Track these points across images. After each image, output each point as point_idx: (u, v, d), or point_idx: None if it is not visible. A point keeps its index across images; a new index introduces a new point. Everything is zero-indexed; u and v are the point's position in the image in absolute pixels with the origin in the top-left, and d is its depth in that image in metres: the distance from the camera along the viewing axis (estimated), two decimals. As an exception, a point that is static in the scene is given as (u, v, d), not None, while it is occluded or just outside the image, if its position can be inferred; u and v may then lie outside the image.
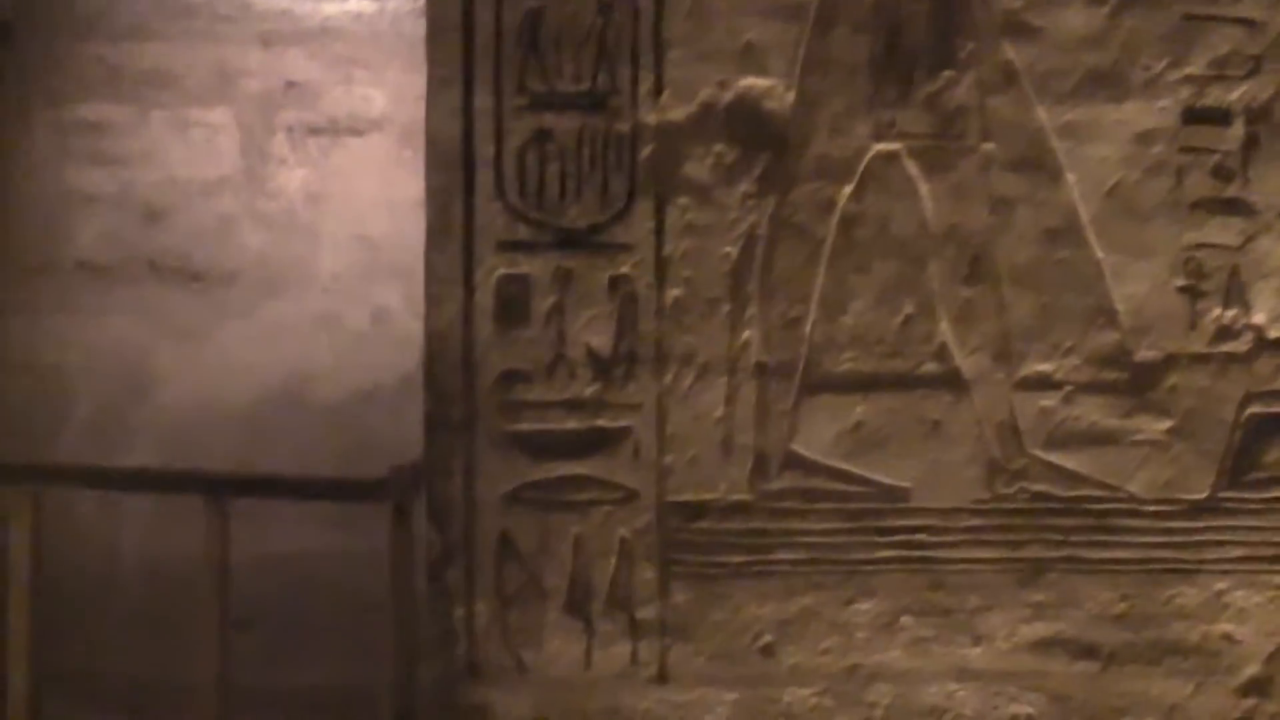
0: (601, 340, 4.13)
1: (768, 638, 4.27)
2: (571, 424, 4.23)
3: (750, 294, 4.14)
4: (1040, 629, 4.12)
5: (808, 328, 4.17)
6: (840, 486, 4.25)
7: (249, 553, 6.49)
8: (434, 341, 4.03)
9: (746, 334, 4.17)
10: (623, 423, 4.23)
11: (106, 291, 7.45)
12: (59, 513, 6.20)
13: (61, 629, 6.11)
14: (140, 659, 6.81)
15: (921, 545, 4.15)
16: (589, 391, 4.23)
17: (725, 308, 4.16)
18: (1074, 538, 4.11)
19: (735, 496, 4.22)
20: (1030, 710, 4.11)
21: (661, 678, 4.24)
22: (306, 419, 7.47)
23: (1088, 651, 4.10)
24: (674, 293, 4.10)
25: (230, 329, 7.72)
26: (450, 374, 4.16)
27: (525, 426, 4.23)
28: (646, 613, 4.20)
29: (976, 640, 4.17)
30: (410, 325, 5.63)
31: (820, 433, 4.19)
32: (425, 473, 4.17)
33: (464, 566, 4.27)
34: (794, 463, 4.26)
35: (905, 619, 4.20)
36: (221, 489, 4.75)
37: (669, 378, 4.19)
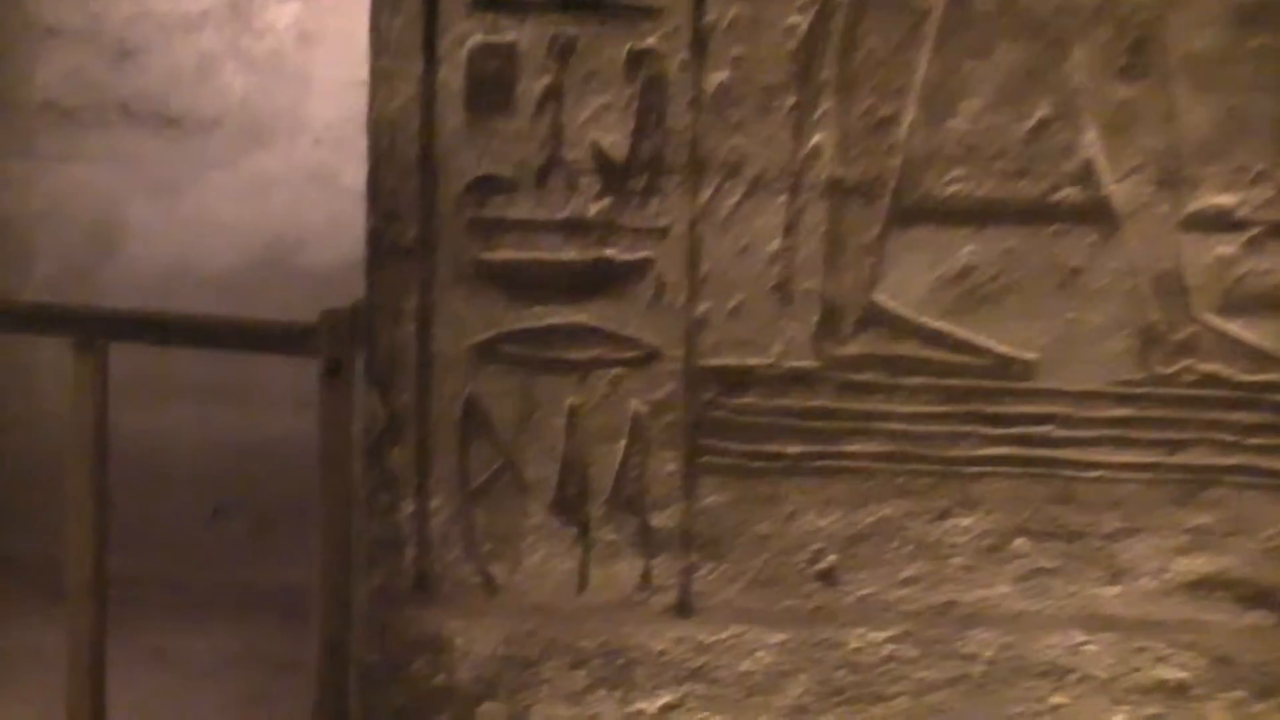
0: (614, 139, 3.01)
1: (830, 559, 3.15)
2: (569, 254, 3.10)
3: (824, 83, 2.98)
4: (1200, 564, 3.02)
5: (902, 132, 3.00)
6: (938, 355, 3.09)
7: (231, 435, 6.08)
8: (380, 135, 2.99)
9: (817, 138, 3.01)
10: (641, 254, 3.09)
11: (73, 136, 6.44)
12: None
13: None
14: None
15: (1046, 441, 3.06)
16: (595, 210, 3.10)
17: (788, 100, 3.01)
18: (1253, 440, 2.98)
19: (793, 363, 3.10)
20: (1182, 675, 3.03)
21: (683, 609, 3.12)
22: (293, 286, 6.15)
23: (1262, 598, 2.97)
24: (717, 77, 2.99)
25: (210, 182, 6.62)
26: (402, 180, 3.05)
27: (505, 255, 3.12)
28: (665, 519, 3.10)
29: (1114, 576, 3.07)
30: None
31: (914, 279, 3.07)
32: (366, 316, 3.10)
33: (414, 446, 3.15)
34: (876, 319, 3.09)
35: (1019, 542, 3.07)
36: (95, 329, 3.63)
37: (706, 194, 3.05)
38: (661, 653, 3.07)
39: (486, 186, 3.02)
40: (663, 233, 3.02)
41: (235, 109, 7.06)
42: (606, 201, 3.03)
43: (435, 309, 3.02)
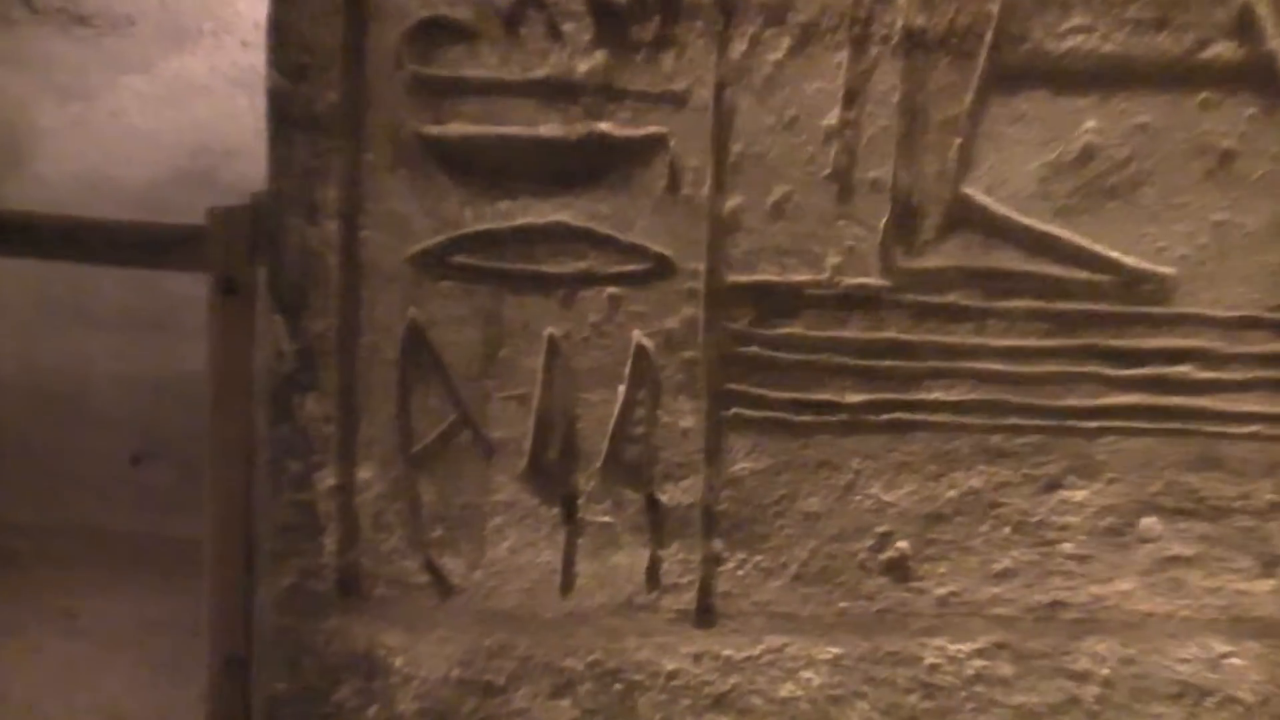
0: None
1: (900, 546, 2.35)
2: (549, 128, 2.27)
3: (898, -107, 2.13)
4: (1383, 555, 2.27)
5: None
6: (1046, 270, 2.31)
7: (152, 371, 5.07)
8: None
9: None
10: (649, 129, 2.25)
11: (-30, 36, 4.96)
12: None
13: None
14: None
15: (1184, 386, 2.28)
16: (585, 67, 2.26)
17: None
18: None
19: (854, 279, 2.30)
20: (1354, 703, 2.30)
21: (704, 615, 2.31)
22: (220, 202, 4.41)
23: None
24: None
25: (125, 87, 5.47)
26: (317, 23, 2.23)
27: (460, 129, 2.27)
28: (680, 493, 2.28)
29: (1268, 566, 2.31)
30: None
31: (1017, 166, 2.28)
32: (267, 212, 2.29)
33: (336, 394, 2.28)
34: (965, 220, 2.30)
35: (1148, 522, 2.31)
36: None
37: (740, 47, 2.25)
38: (674, 674, 2.32)
39: (435, 33, 2.22)
40: (679, 99, 2.25)
41: (153, 6, 6.33)
42: (601, 56, 2.24)
43: (363, 203, 2.26)
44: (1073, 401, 2.32)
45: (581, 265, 2.29)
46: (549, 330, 2.30)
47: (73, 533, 4.66)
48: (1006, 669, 2.36)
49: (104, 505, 5.87)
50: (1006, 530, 2.35)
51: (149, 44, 6.30)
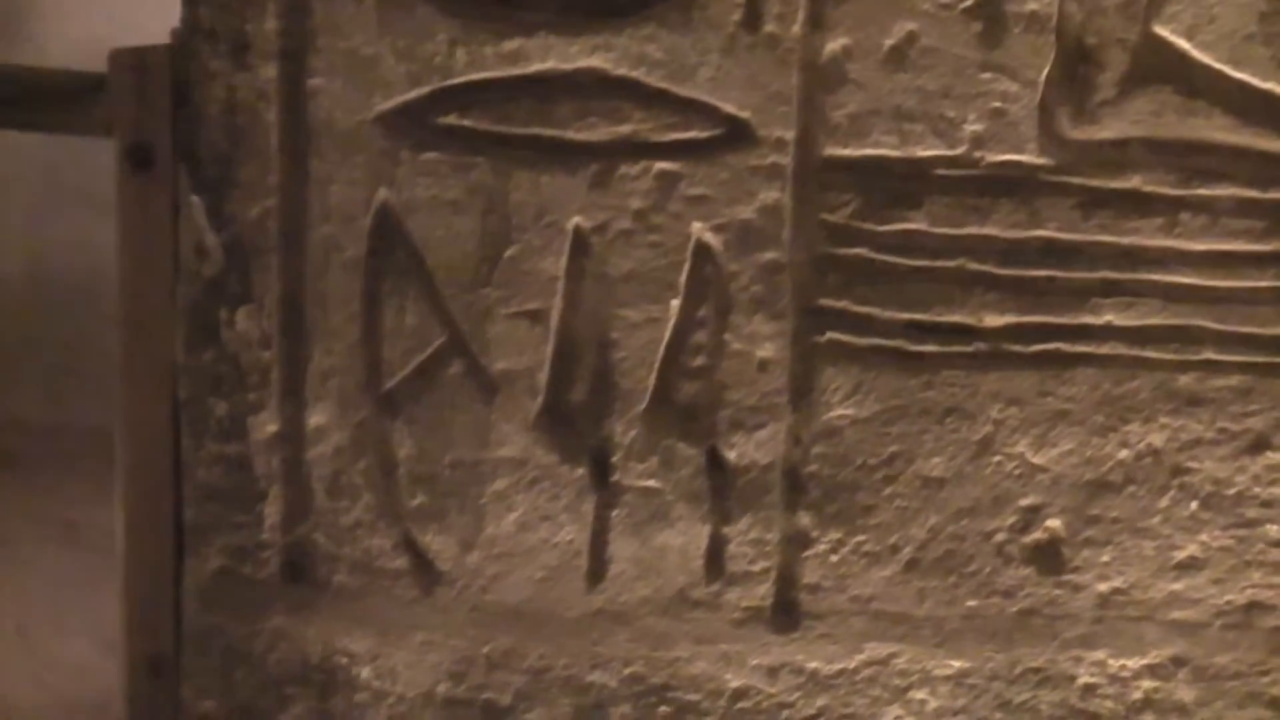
0: None
1: (1052, 524, 1.84)
2: None
3: None
4: None
5: None
6: (1264, 143, 1.77)
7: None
8: None
9: None
10: None
11: None
12: None
13: None
14: None
15: None
16: None
17: None
18: None
19: (1001, 154, 1.76)
20: None
21: (784, 613, 1.83)
22: None
23: None
24: None
25: None
26: None
27: None
28: (753, 448, 1.80)
29: None
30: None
31: None
32: (187, 56, 1.74)
33: (279, 306, 1.77)
34: (1157, 69, 1.76)
35: None
36: None
37: None
38: (741, 693, 1.82)
39: None
40: None
41: None
42: None
43: (314, 39, 1.69)
44: (1284, 328, 1.96)
45: (622, 130, 1.72)
46: (575, 220, 1.74)
47: (78, 435, 4.13)
48: (1186, 693, 1.85)
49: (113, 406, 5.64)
50: (1194, 505, 1.82)
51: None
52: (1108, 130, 1.76)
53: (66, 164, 3.92)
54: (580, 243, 1.76)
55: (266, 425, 1.79)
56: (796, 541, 1.83)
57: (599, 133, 1.74)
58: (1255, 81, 1.75)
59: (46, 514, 3.90)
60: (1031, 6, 1.73)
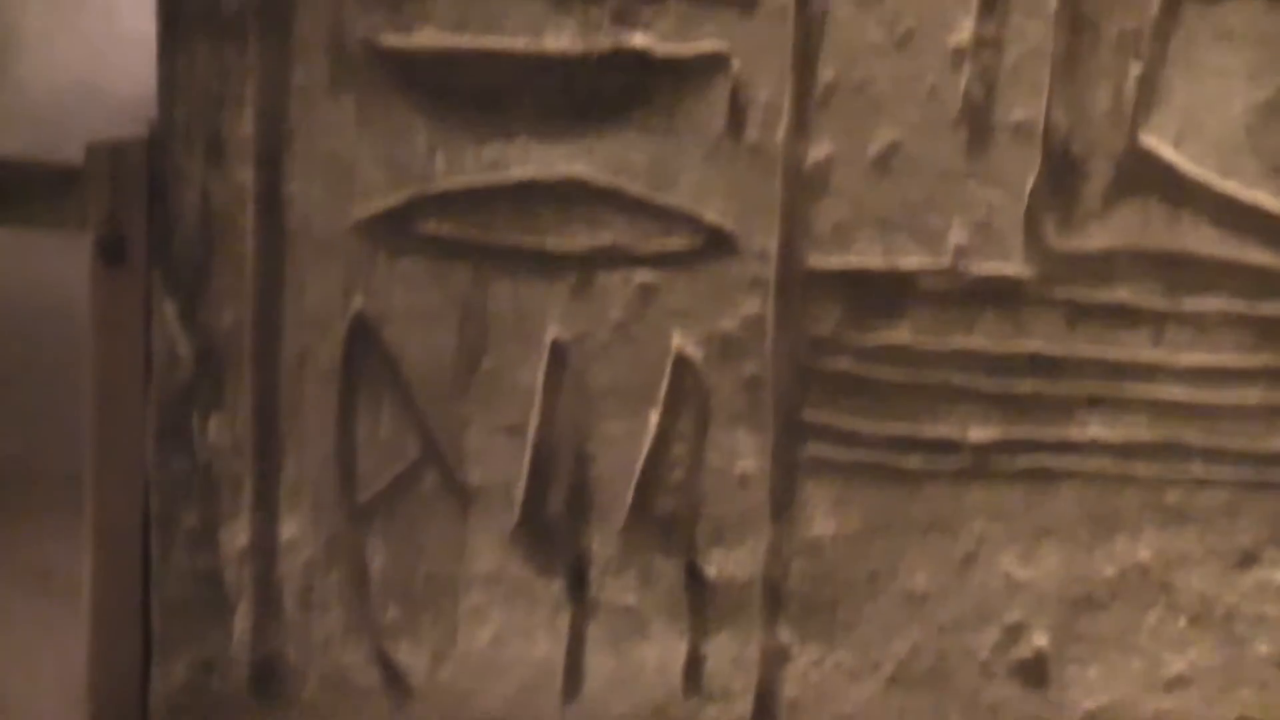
0: None
1: (1039, 640, 1.78)
2: (560, 39, 1.65)
3: None
4: None
5: None
6: (1251, 255, 1.73)
7: None
8: None
9: None
10: (703, 44, 1.66)
11: (-51, -72, 4.94)
12: None
13: None
14: None
15: None
16: None
17: None
18: None
19: (988, 266, 1.71)
20: None
21: None
22: None
23: None
24: None
25: None
26: None
27: (432, 38, 1.65)
28: (735, 562, 1.75)
29: None
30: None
31: (1216, 106, 1.70)
32: (160, 153, 1.67)
33: (251, 414, 1.71)
34: (1143, 180, 1.72)
35: None
36: None
37: None
38: None
39: None
40: (748, 2, 1.63)
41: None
42: None
43: (291, 143, 1.64)
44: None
45: (602, 239, 1.68)
46: (553, 331, 1.69)
47: (53, 477, 4.06)
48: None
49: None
50: (1182, 622, 1.77)
51: (148, -63, 5.87)
52: (1094, 241, 1.71)
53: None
54: (558, 354, 1.71)
55: (238, 536, 1.74)
56: (776, 657, 1.76)
57: (579, 242, 1.69)
58: (1243, 193, 1.71)
59: (19, 560, 3.85)
60: (1018, 116, 1.68)
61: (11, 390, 4.94)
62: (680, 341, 1.70)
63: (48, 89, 5.29)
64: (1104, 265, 1.72)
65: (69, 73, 5.38)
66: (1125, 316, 1.73)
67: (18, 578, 3.53)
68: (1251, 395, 1.74)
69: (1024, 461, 1.74)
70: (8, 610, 3.21)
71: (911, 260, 1.71)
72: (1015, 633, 1.77)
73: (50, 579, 3.48)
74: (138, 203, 1.81)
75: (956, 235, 1.70)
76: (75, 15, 5.17)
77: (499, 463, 1.73)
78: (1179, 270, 1.73)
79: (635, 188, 1.68)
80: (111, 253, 1.81)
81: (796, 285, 1.71)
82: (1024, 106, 1.68)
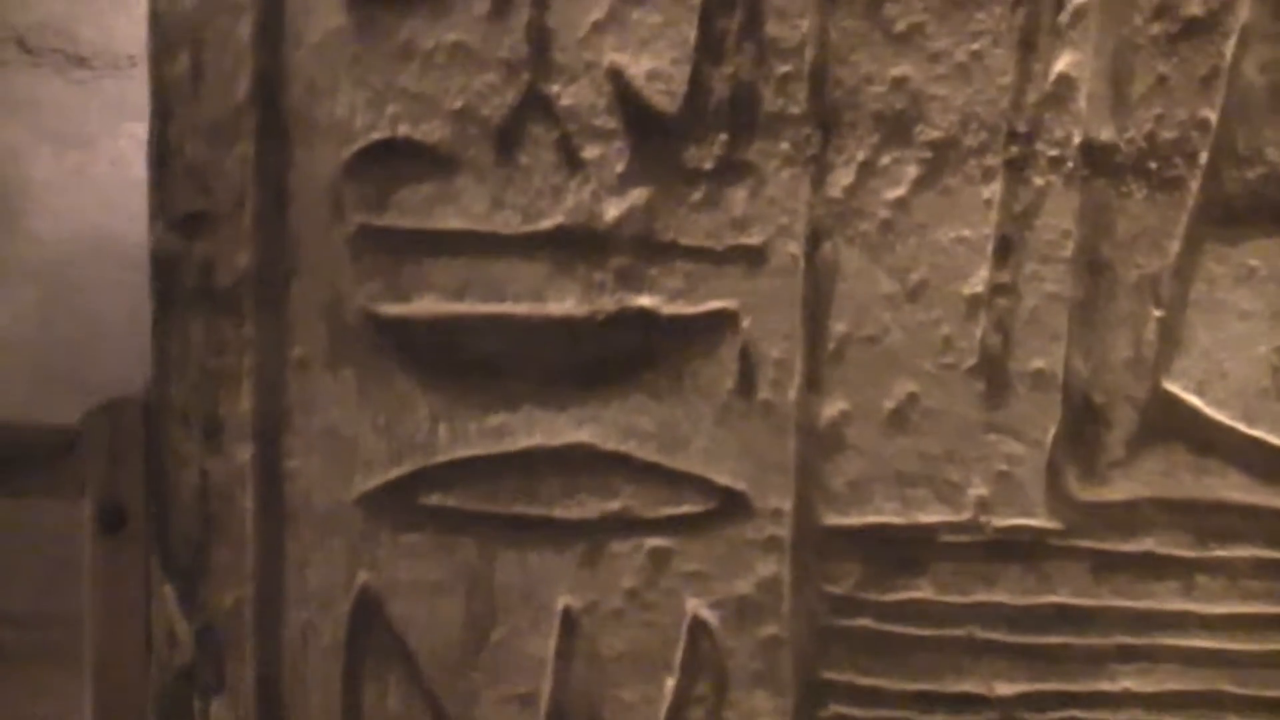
0: (656, 65, 1.51)
1: None
2: (564, 303, 1.56)
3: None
4: None
5: (1227, 51, 1.56)
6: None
7: None
8: (170, 53, 1.50)
9: (1063, 61, 1.55)
10: (710, 304, 1.57)
11: (-44, 80, 4.83)
12: None
13: None
14: None
15: None
16: (616, 212, 1.54)
17: None
18: None
19: (1009, 519, 1.62)
20: None
21: None
22: None
23: None
24: None
25: (128, 134, 4.66)
26: (218, 147, 1.51)
27: (431, 308, 1.56)
28: None
29: None
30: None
31: (1240, 350, 1.62)
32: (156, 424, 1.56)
33: (255, 693, 1.58)
34: (1168, 427, 1.62)
35: None
36: None
37: (844, 178, 1.56)
38: None
39: (392, 162, 1.48)
40: (755, 258, 1.53)
41: (157, 46, 5.69)
42: (641, 193, 1.51)
43: (290, 418, 1.54)
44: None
45: (612, 506, 1.58)
46: (564, 600, 1.58)
47: (70, 623, 4.16)
48: None
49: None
50: None
51: (152, 88, 5.79)
52: (1118, 491, 1.60)
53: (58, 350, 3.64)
54: (569, 623, 1.58)
55: (243, 816, 1.61)
56: None
57: (588, 509, 1.57)
58: (1270, 438, 1.60)
59: (39, 712, 3.81)
60: (1036, 364, 1.57)
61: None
62: (696, 606, 1.58)
63: (59, 238, 5.28)
64: (1130, 515, 1.61)
65: (80, 221, 5.34)
66: (1153, 566, 1.62)
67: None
68: (1293, 645, 1.66)
69: (1055, 715, 1.62)
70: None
71: (931, 515, 1.59)
72: None
73: (58, 728, 3.52)
74: (135, 470, 1.73)
75: (977, 488, 1.59)
76: (84, 163, 5.33)
77: (513, 739, 1.64)
78: (1207, 518, 1.61)
79: (644, 453, 1.56)
80: (110, 521, 1.72)
81: (814, 544, 1.59)
82: (1042, 355, 1.57)
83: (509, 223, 1.52)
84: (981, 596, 1.60)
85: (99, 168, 5.20)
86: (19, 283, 4.86)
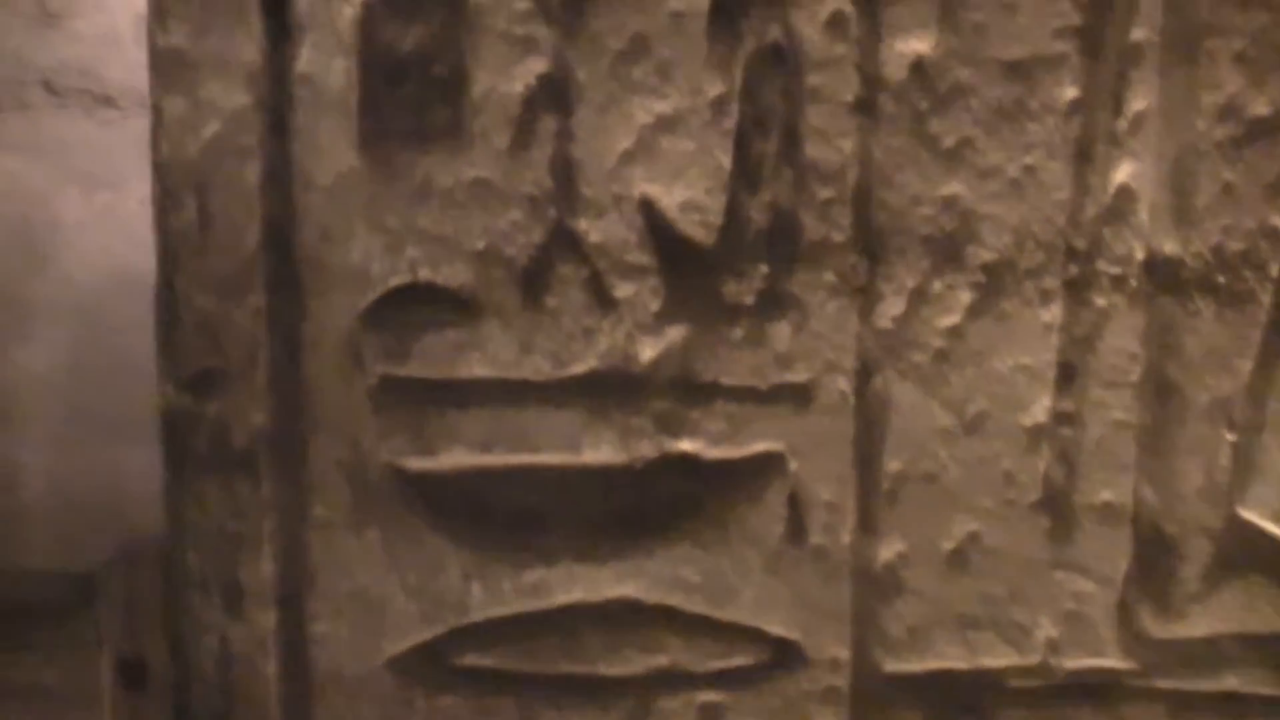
0: (691, 194, 1.41)
1: None
2: (599, 452, 1.45)
3: (1142, 47, 1.43)
4: None
5: None
6: None
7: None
8: (176, 199, 1.40)
9: (1123, 172, 1.44)
10: (755, 446, 1.46)
11: (-17, 121, 5.60)
12: None
13: None
14: None
15: None
16: (652, 353, 1.44)
17: (1063, 88, 1.44)
18: None
19: (1080, 660, 1.51)
20: None
21: None
22: None
23: None
24: (913, 45, 1.42)
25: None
26: (226, 299, 1.42)
27: (460, 459, 1.45)
28: None
29: None
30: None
31: None
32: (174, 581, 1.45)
33: None
34: (1246, 557, 1.51)
35: None
36: None
37: (895, 306, 1.46)
38: None
39: (413, 309, 1.38)
40: (802, 396, 1.42)
41: (181, 84, 5.60)
42: (678, 332, 1.40)
43: (314, 582, 1.42)
44: None
45: (659, 661, 1.46)
46: None
47: None
48: None
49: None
50: None
51: (178, 127, 5.73)
52: (1196, 627, 1.49)
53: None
54: None
55: None
56: None
57: (633, 666, 1.45)
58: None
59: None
60: (1104, 496, 1.45)
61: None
62: (748, 763, 1.52)
63: (89, 279, 5.24)
64: (1209, 652, 1.50)
65: (110, 260, 5.28)
66: (1236, 706, 1.50)
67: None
68: (1376, 773, 1.55)
69: None
70: None
71: (998, 659, 1.48)
72: None
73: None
74: (154, 616, 1.65)
75: (1045, 629, 1.48)
76: (114, 203, 5.32)
77: None
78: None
79: (691, 605, 1.44)
80: (132, 675, 1.64)
81: (874, 694, 1.47)
82: (1110, 486, 1.45)
83: (539, 369, 1.41)
84: (1051, 747, 1.51)
85: (128, 207, 5.26)
86: (50, 323, 4.78)
